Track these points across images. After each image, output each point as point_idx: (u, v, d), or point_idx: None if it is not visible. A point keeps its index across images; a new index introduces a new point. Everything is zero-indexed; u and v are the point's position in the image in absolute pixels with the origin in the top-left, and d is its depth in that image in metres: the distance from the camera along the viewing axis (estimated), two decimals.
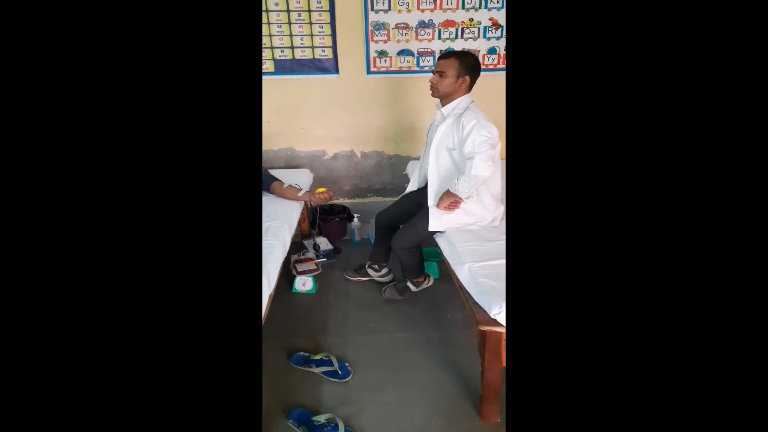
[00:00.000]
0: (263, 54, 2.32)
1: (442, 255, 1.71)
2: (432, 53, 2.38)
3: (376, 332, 1.75)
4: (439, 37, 2.36)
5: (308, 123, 2.51)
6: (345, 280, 2.11)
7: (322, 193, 1.96)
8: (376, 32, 2.32)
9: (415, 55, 2.39)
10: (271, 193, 2.00)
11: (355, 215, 2.50)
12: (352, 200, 2.72)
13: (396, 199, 2.10)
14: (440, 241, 1.72)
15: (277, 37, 2.30)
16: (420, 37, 2.35)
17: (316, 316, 1.86)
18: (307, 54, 2.34)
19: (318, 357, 1.56)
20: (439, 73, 1.65)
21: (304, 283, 2.02)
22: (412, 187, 1.99)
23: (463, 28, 2.34)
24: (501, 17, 2.34)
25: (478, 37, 2.36)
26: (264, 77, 2.35)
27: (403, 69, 2.41)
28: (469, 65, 1.64)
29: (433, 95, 1.71)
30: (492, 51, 2.41)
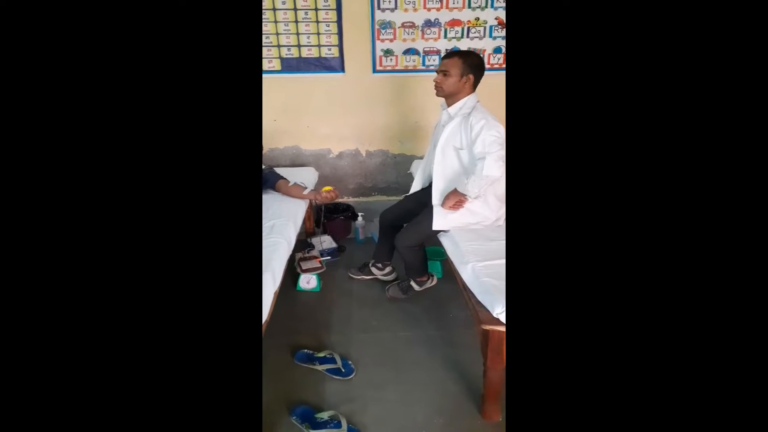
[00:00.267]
0: (270, 52, 2.34)
1: (446, 254, 1.71)
2: (437, 52, 2.38)
3: (379, 330, 1.76)
4: (445, 36, 2.36)
5: (314, 121, 2.52)
6: (349, 278, 2.12)
7: (328, 191, 1.97)
8: (383, 31, 2.32)
9: (421, 54, 2.39)
10: (276, 191, 2.01)
11: (359, 214, 2.51)
12: (356, 199, 2.73)
13: (400, 198, 2.11)
14: (444, 240, 1.72)
15: (284, 36, 2.31)
16: (426, 36, 2.35)
17: (319, 313, 1.87)
18: (314, 52, 2.35)
19: (321, 354, 1.58)
20: (443, 72, 1.65)
21: (308, 281, 2.03)
22: (415, 186, 2.00)
23: (469, 27, 2.34)
24: None
25: (484, 36, 2.36)
26: (270, 75, 2.37)
27: (409, 68, 2.42)
28: (472, 64, 1.64)
29: (437, 95, 1.72)
30: (498, 50, 2.40)
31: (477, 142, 1.59)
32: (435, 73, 1.70)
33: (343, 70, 2.39)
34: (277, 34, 2.30)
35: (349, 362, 1.55)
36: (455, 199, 1.63)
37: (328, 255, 2.27)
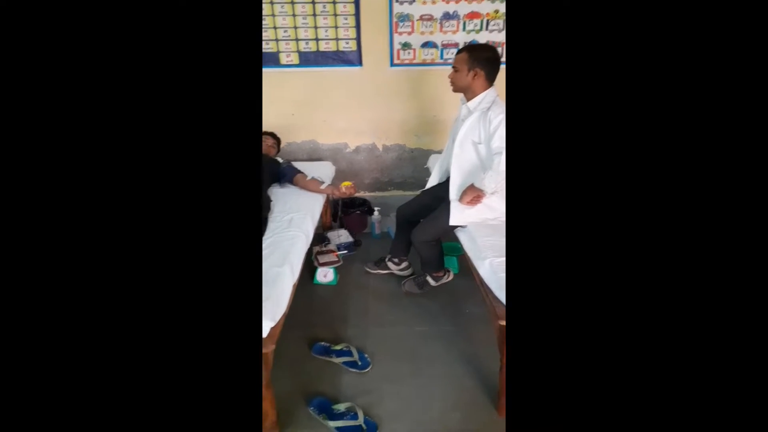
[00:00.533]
0: (288, 46, 2.34)
1: (462, 250, 1.70)
2: (456, 45, 2.35)
3: (395, 325, 1.77)
4: (464, 29, 2.32)
5: (330, 116, 2.53)
6: (365, 272, 2.13)
7: (348, 187, 1.98)
8: (401, 24, 2.31)
9: (439, 47, 2.36)
10: (294, 185, 2.03)
11: (376, 208, 2.51)
12: (372, 193, 2.73)
13: (417, 193, 2.10)
14: (461, 235, 1.72)
15: (302, 29, 2.31)
16: (444, 29, 2.32)
17: (336, 307, 1.89)
18: (331, 46, 2.35)
19: (338, 347, 1.59)
20: (454, 68, 1.66)
21: (325, 275, 2.05)
22: (433, 181, 1.99)
23: (488, 20, 2.31)
24: None
25: (504, 29, 2.32)
26: (288, 69, 2.38)
27: (427, 61, 2.39)
28: (480, 58, 1.62)
29: (453, 91, 1.72)
30: None
31: (495, 136, 1.58)
32: (452, 68, 1.69)
33: (360, 63, 2.39)
34: (296, 27, 2.30)
35: (366, 355, 1.57)
36: (473, 194, 1.62)
37: (345, 249, 2.28)
